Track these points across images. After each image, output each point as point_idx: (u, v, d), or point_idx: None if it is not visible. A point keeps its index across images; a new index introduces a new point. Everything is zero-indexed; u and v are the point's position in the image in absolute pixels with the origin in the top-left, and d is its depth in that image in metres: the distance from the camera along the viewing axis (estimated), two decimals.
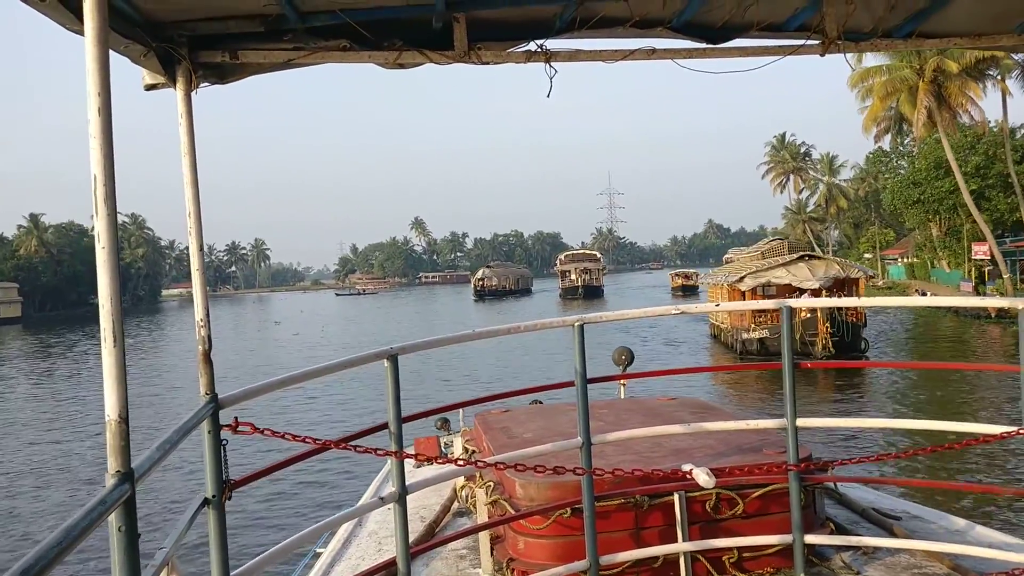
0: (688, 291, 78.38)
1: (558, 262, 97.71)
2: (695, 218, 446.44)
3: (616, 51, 3.56)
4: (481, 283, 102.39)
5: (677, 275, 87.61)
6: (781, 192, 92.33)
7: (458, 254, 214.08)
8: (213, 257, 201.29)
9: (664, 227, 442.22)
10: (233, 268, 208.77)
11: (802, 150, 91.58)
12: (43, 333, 72.14)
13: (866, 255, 75.69)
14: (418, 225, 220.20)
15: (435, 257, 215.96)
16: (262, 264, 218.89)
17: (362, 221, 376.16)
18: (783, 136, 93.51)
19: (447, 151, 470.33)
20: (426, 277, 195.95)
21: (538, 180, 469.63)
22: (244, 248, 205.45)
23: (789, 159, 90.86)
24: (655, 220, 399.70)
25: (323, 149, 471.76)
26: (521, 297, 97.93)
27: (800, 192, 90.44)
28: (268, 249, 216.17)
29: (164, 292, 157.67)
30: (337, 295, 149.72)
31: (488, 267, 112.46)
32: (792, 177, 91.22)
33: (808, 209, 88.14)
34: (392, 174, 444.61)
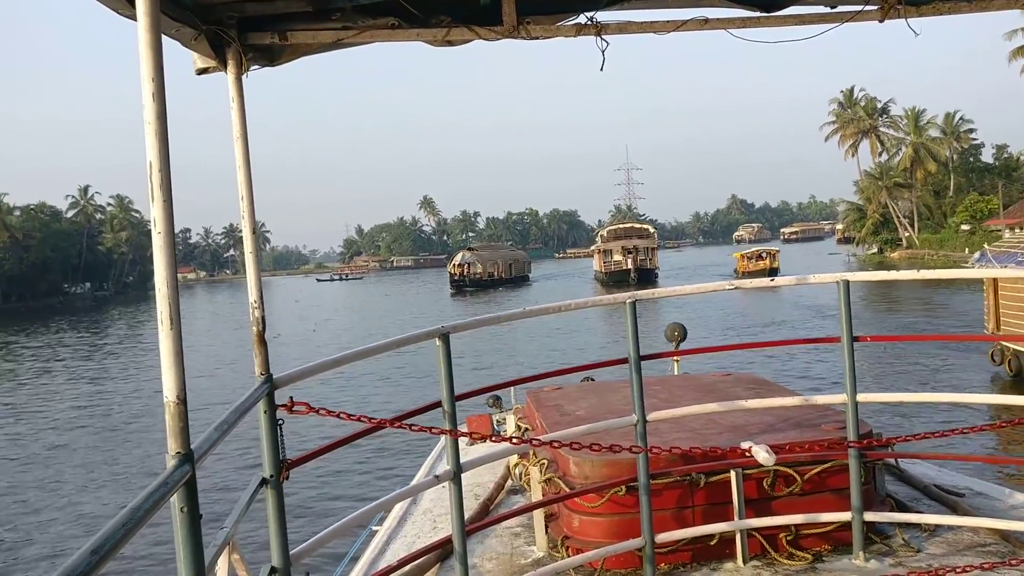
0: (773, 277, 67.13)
1: (599, 238, 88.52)
2: (717, 194, 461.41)
3: (668, 22, 3.93)
4: (461, 270, 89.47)
5: (750, 256, 75.78)
6: (853, 156, 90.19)
7: (470, 234, 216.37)
8: (210, 241, 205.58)
9: (684, 203, 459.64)
10: (232, 251, 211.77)
11: (879, 105, 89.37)
12: (2, 330, 68.19)
13: (964, 227, 72.54)
14: (427, 204, 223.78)
15: (445, 238, 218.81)
16: (264, 247, 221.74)
17: (370, 201, 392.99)
18: (851, 91, 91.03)
19: (458, 129, 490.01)
20: (398, 261, 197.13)
21: (553, 157, 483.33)
22: (242, 231, 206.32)
23: (864, 116, 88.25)
24: (675, 196, 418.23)
25: (329, 129, 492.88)
26: (516, 287, 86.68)
27: (879, 155, 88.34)
28: (268, 231, 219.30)
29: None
30: (318, 281, 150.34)
31: (470, 249, 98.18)
32: (869, 138, 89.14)
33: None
34: (402, 153, 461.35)
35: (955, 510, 4.78)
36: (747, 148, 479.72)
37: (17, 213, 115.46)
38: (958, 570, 3.96)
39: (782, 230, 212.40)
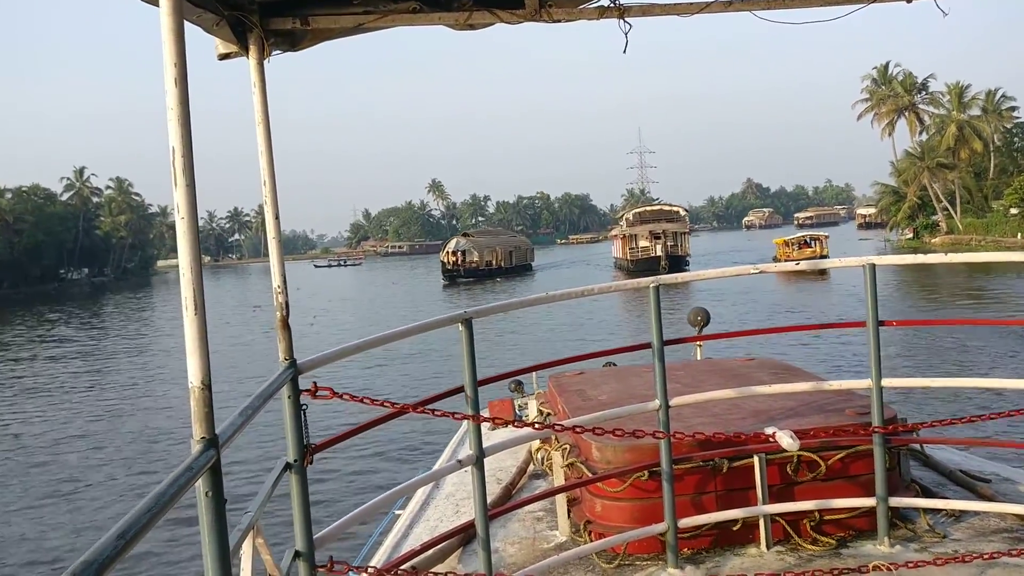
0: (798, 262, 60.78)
1: (624, 221, 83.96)
2: (732, 177, 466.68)
3: (692, 4, 4.04)
4: (455, 258, 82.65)
5: (794, 243, 68.67)
6: (890, 135, 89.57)
7: (479, 218, 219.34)
8: (215, 224, 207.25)
9: (698, 187, 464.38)
10: (237, 236, 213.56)
11: (917, 81, 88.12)
12: None
13: (1012, 210, 71.58)
14: (436, 188, 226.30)
15: (454, 222, 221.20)
16: None
17: (379, 186, 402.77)
18: (886, 67, 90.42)
19: (469, 116, 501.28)
20: (393, 247, 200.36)
21: (565, 142, 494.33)
22: (248, 215, 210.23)
23: (902, 93, 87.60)
24: (688, 180, 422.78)
25: (338, 113, 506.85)
26: (517, 278, 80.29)
27: (919, 133, 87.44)
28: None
29: (160, 263, 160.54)
30: (316, 266, 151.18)
31: (466, 235, 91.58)
32: (907, 116, 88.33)
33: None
34: (411, 139, 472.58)
35: (981, 496, 4.95)
36: (763, 131, 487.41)
37: (8, 195, 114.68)
38: (985, 556, 4.11)
39: (796, 215, 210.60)
